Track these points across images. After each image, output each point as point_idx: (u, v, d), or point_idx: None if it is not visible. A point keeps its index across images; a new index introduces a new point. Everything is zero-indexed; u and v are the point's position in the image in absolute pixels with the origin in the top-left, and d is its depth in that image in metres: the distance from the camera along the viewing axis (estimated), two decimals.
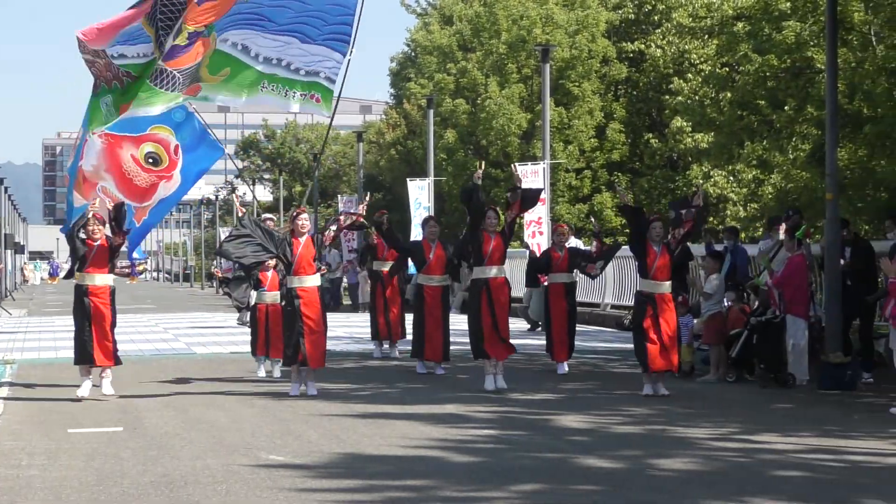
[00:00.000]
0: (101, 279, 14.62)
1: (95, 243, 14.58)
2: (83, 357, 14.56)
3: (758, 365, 15.67)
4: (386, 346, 19.31)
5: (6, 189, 57.27)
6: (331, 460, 10.10)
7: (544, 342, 17.38)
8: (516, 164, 21.10)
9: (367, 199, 17.47)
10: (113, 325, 14.69)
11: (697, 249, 19.29)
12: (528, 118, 35.52)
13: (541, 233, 24.42)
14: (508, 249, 15.37)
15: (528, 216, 24.27)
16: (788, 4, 20.39)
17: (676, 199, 32.11)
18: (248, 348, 16.98)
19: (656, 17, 36.36)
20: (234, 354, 19.63)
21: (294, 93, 14.89)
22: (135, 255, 16.51)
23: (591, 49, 35.66)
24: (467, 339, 15.17)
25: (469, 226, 15.28)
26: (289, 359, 14.61)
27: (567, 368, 16.72)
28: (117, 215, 14.64)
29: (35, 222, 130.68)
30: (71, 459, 10.19)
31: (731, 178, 31.12)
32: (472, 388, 14.88)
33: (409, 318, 18.06)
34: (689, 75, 28.46)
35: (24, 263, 79.47)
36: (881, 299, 15.36)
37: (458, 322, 18.25)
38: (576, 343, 17.29)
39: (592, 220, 24.44)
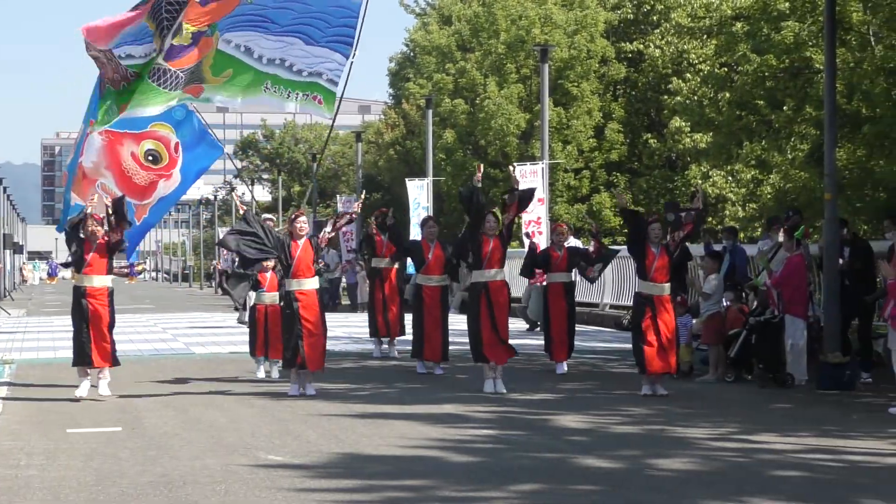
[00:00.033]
0: (99, 281, 14.58)
1: (94, 245, 14.55)
2: (81, 359, 14.54)
3: (756, 365, 15.67)
4: (385, 345, 19.31)
5: (5, 189, 57.32)
6: (329, 460, 10.10)
7: (543, 342, 17.39)
8: (515, 164, 21.11)
9: (363, 196, 17.49)
10: (111, 326, 14.65)
11: (696, 249, 19.29)
12: (527, 118, 35.54)
13: (540, 232, 24.43)
14: (508, 250, 15.36)
15: (527, 216, 24.31)
16: (787, 4, 20.39)
17: (675, 199, 32.18)
18: (246, 348, 16.98)
19: (655, 18, 36.38)
20: (232, 354, 19.62)
21: (296, 94, 14.89)
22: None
23: (590, 49, 35.67)
24: (466, 340, 15.17)
25: (469, 226, 15.28)
26: (288, 361, 14.61)
27: (566, 368, 16.72)
28: (117, 209, 14.59)
29: (34, 222, 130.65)
30: (69, 459, 10.19)
31: (730, 178, 31.15)
32: (471, 388, 14.88)
33: (408, 319, 18.07)
34: (688, 75, 28.50)
35: (23, 263, 79.44)
36: (880, 299, 15.37)
37: (457, 322, 18.25)
38: (575, 343, 17.29)
39: (590, 220, 24.45)
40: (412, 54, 42.49)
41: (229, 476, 9.34)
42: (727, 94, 22.49)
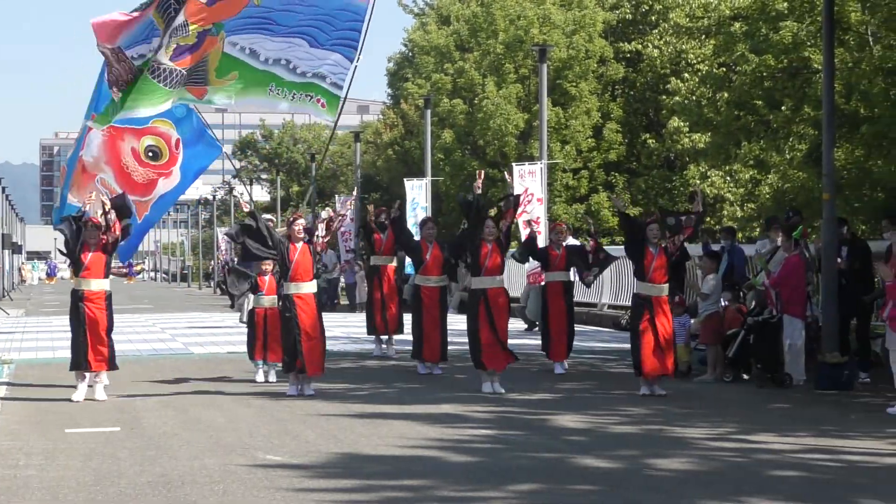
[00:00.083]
0: (97, 284, 14.51)
1: (92, 247, 14.49)
2: (77, 363, 14.49)
3: (755, 365, 15.68)
4: (384, 343, 19.30)
5: (4, 189, 57.30)
6: (328, 460, 10.11)
7: (541, 342, 17.38)
8: (514, 164, 21.08)
9: (355, 194, 17.46)
10: (109, 329, 14.55)
11: (694, 249, 19.29)
12: (526, 118, 35.54)
13: (539, 232, 24.41)
14: (506, 252, 15.37)
15: (527, 216, 24.27)
16: (785, 4, 20.39)
17: (674, 199, 32.17)
18: (244, 348, 16.95)
19: (653, 18, 36.38)
20: (231, 354, 19.61)
21: (293, 94, 14.87)
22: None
23: (589, 49, 35.67)
24: (465, 340, 15.18)
25: (468, 228, 15.28)
26: (287, 365, 14.60)
27: (566, 367, 16.73)
28: (117, 206, 14.53)
29: (32, 222, 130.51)
30: (68, 459, 10.19)
31: (728, 178, 31.11)
32: (469, 388, 14.89)
33: (407, 319, 18.07)
34: (686, 75, 28.46)
35: (22, 263, 79.45)
36: (878, 299, 15.38)
37: (456, 322, 18.25)
38: (574, 343, 17.28)
39: (589, 219, 24.44)
40: (411, 54, 42.49)
41: (228, 476, 9.35)
42: (725, 95, 22.49)
